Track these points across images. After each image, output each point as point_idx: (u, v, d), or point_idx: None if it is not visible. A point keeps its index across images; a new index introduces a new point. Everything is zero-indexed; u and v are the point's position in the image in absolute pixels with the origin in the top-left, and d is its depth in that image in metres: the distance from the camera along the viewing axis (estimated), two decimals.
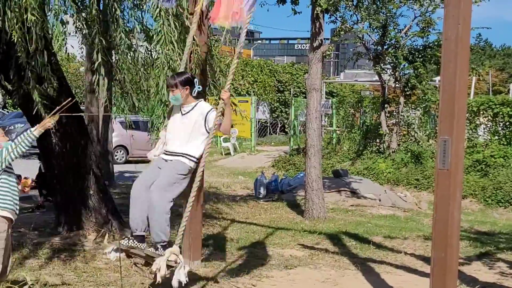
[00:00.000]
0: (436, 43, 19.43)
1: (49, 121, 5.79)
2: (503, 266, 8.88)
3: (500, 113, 18.32)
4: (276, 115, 36.82)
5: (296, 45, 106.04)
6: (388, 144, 20.37)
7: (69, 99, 6.11)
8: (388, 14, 19.71)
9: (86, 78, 16.27)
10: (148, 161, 6.72)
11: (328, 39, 21.68)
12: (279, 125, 36.97)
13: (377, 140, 21.43)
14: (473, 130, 19.15)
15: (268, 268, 8.38)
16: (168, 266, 5.66)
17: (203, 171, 6.10)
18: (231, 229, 10.96)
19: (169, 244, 5.98)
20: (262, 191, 15.56)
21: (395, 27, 19.96)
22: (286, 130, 35.13)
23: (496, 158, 17.11)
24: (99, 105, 15.62)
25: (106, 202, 9.64)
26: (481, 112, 19.01)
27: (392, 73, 20.53)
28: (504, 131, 18.33)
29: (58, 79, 8.98)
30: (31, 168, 13.99)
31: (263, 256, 9.08)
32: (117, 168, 18.99)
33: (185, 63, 6.71)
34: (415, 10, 19.57)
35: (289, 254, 9.32)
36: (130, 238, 6.02)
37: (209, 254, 9.00)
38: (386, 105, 20.93)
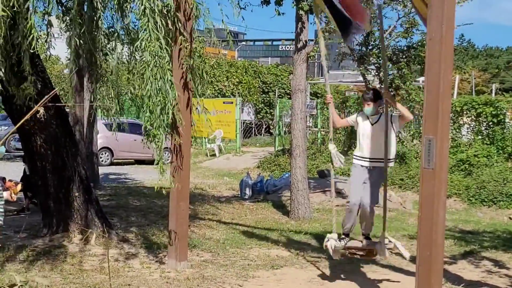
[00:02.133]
0: (420, 44, 19.50)
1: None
2: (487, 264, 8.95)
3: (483, 113, 18.43)
4: (261, 116, 36.83)
5: (280, 46, 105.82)
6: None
7: (52, 93, 6.09)
8: (372, 15, 19.74)
9: (70, 80, 16.17)
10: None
11: (312, 40, 21.69)
12: (264, 126, 36.98)
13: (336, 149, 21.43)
14: (457, 130, 19.25)
15: (254, 268, 8.40)
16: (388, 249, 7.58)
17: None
18: (217, 230, 10.96)
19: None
20: (248, 192, 15.57)
21: (378, 27, 20.01)
22: (271, 131, 35.15)
23: (479, 157, 17.21)
24: (84, 107, 15.55)
25: (91, 203, 9.61)
26: (465, 112, 19.12)
27: (376, 73, 20.60)
28: (487, 131, 18.44)
29: (43, 80, 8.96)
30: (15, 170, 13.93)
31: (250, 257, 9.10)
32: (102, 170, 18.93)
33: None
34: (398, 11, 19.65)
35: (275, 254, 9.34)
36: (344, 238, 7.84)
37: (196, 254, 9.01)
38: None
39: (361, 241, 7.93)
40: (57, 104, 7.59)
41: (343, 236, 7.88)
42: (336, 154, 7.78)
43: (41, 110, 5.90)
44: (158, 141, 7.28)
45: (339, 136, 23.52)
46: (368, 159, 7.65)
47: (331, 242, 7.69)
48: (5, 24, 6.54)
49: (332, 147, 7.87)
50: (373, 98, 7.60)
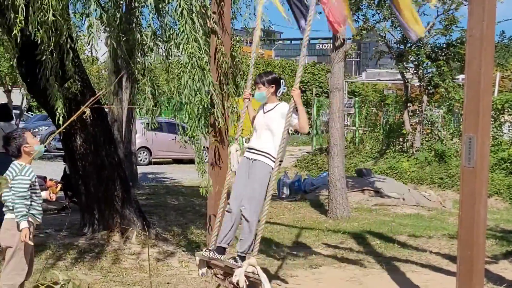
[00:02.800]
0: (459, 41, 19.28)
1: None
2: None
3: None
4: None
5: (317, 45, 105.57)
6: (411, 143, 20.25)
7: (94, 97, 6.15)
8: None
9: (109, 80, 16.35)
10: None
11: (350, 38, 21.60)
12: None
13: (400, 139, 21.30)
14: (498, 128, 18.96)
15: (292, 267, 8.38)
16: (247, 277, 5.77)
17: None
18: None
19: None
20: (285, 191, 15.56)
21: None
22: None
23: None
24: (122, 107, 15.71)
25: (130, 202, 9.69)
26: (506, 110, 18.83)
27: (415, 71, 20.42)
28: None
29: (83, 80, 9.07)
30: (55, 170, 14.14)
31: (288, 256, 9.09)
32: (140, 170, 19.10)
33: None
34: (437, 7, 19.44)
35: (313, 253, 9.32)
36: (211, 250, 6.27)
37: (234, 253, 9.02)
38: (409, 104, 20.82)
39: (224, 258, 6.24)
40: (99, 106, 7.65)
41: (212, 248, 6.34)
42: (237, 156, 6.49)
43: (87, 111, 5.96)
44: (197, 143, 7.30)
45: (377, 135, 23.36)
46: (253, 151, 6.28)
47: (202, 251, 6.40)
48: (50, 25, 6.65)
49: (234, 148, 6.57)
50: (265, 82, 6.31)
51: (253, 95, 6.54)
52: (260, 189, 6.08)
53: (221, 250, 6.24)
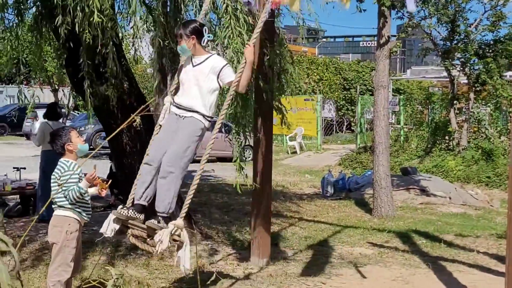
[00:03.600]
0: (507, 37, 18.93)
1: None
2: None
3: None
4: (342, 113, 36.59)
5: (361, 42, 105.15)
6: (458, 141, 19.95)
7: (144, 106, 6.19)
8: (457, 9, 19.33)
9: (153, 79, 16.49)
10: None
11: (395, 35, 21.46)
12: (345, 123, 36.73)
13: (446, 137, 21.00)
14: None
15: (337, 266, 8.34)
16: (173, 241, 5.38)
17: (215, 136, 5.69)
18: (299, 227, 10.96)
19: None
20: (330, 189, 15.50)
21: (464, 21, 19.54)
22: (352, 128, 34.88)
23: None
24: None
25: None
26: None
27: (462, 68, 20.12)
28: None
29: (129, 80, 9.19)
30: (101, 168, 14.32)
31: (332, 254, 9.05)
32: None
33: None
34: (484, 3, 19.14)
35: (358, 252, 9.26)
36: (130, 207, 5.57)
37: (278, 252, 9.03)
38: (455, 102, 20.53)
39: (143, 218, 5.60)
40: (149, 114, 7.68)
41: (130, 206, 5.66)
42: (167, 109, 5.81)
43: (138, 119, 5.98)
44: (239, 138, 7.32)
45: (423, 133, 23.10)
46: (182, 107, 5.68)
47: (119, 209, 5.62)
48: (96, 26, 6.75)
49: (167, 99, 5.87)
50: (183, 34, 5.61)
51: None
52: (187, 143, 5.56)
53: (140, 208, 5.53)
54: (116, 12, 8.27)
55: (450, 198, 14.40)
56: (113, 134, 6.51)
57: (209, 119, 5.68)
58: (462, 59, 19.92)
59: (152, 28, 8.07)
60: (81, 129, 25.12)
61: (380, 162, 12.46)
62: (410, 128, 24.85)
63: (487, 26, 19.27)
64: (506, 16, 18.78)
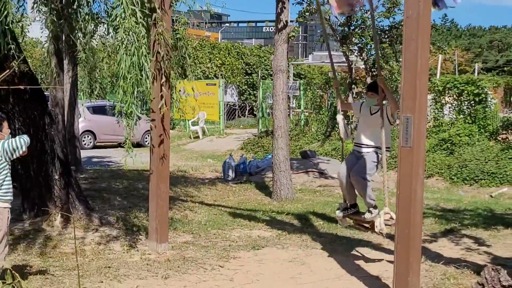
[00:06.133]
0: (402, 24, 19.48)
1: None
2: (467, 242, 9.00)
3: (465, 92, 18.50)
4: (244, 98, 36.75)
5: (264, 27, 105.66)
6: (356, 124, 20.44)
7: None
8: None
9: (49, 62, 15.99)
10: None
11: (293, 21, 21.65)
12: (248, 108, 36.93)
13: (345, 121, 21.45)
14: (439, 109, 19.32)
15: (235, 249, 8.40)
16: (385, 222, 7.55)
17: None
18: (199, 212, 10.95)
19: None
20: (231, 173, 15.57)
21: (361, 8, 19.94)
22: (254, 112, 35.11)
23: (461, 136, 17.29)
24: (64, 90, 15.38)
25: (71, 187, 9.54)
26: (447, 92, 19.18)
27: (359, 54, 20.59)
28: (469, 110, 18.51)
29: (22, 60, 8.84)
30: None
31: (231, 238, 9.11)
32: (85, 154, 18.83)
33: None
34: None
35: (256, 235, 9.36)
36: (345, 208, 7.96)
37: (177, 236, 9.00)
38: (353, 86, 21.01)
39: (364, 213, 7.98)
40: (37, 87, 7.46)
41: (348, 207, 8.01)
42: (344, 125, 8.12)
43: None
44: (130, 119, 7.18)
45: (322, 117, 23.51)
46: (364, 145, 7.73)
47: (338, 212, 8.07)
48: None
49: (340, 118, 8.20)
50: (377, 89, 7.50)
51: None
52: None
53: (354, 205, 7.94)
54: None
55: None
56: None
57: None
58: (359, 45, 20.38)
59: (47, 9, 7.82)
60: None
61: (280, 145, 12.62)
62: (310, 112, 25.24)
63: (383, 13, 19.77)
64: (400, 3, 19.31)
